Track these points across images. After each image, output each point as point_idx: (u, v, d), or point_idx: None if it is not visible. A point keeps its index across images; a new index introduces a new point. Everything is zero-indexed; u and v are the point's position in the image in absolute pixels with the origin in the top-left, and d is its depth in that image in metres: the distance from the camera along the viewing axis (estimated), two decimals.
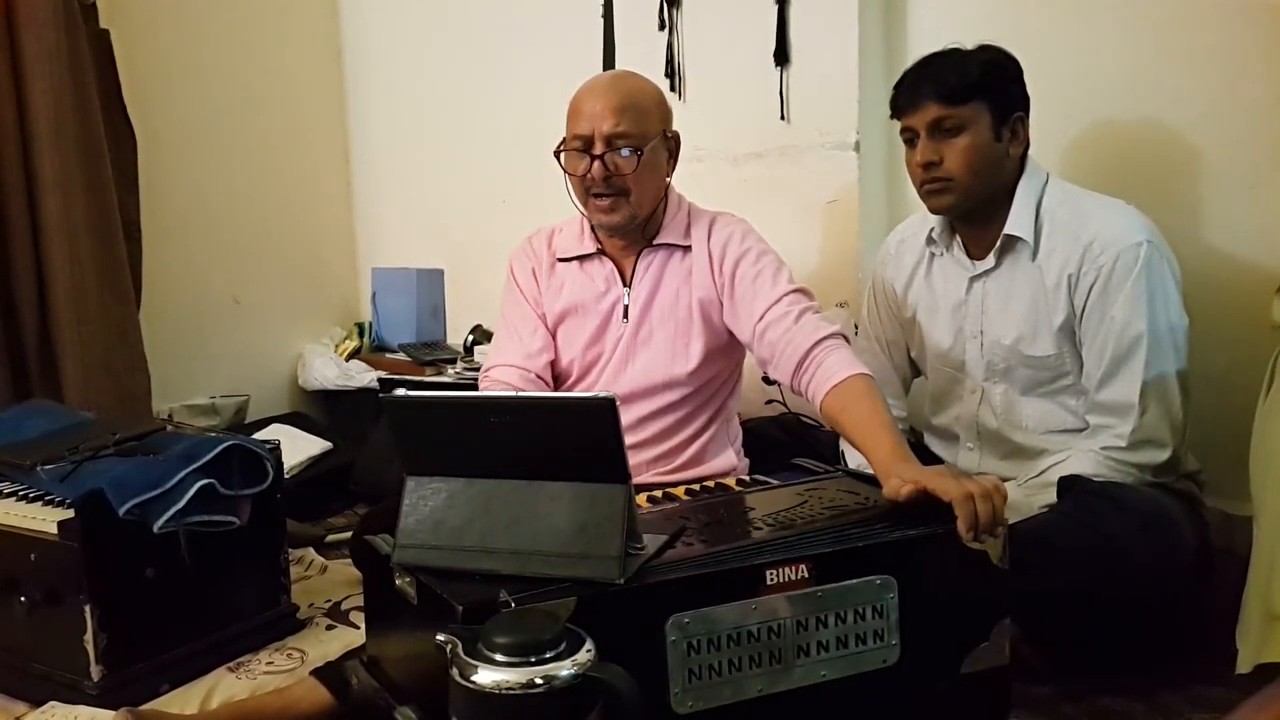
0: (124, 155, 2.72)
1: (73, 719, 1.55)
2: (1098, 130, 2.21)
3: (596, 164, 1.78)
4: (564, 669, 0.98)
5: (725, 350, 1.91)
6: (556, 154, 1.84)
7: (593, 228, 1.93)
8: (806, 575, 1.26)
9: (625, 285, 1.91)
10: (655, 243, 1.89)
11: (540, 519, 1.20)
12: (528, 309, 1.95)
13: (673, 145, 1.89)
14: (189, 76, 3.09)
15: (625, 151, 1.78)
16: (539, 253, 1.98)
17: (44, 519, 1.60)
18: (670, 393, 1.89)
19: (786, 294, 1.78)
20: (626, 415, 1.83)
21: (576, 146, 1.81)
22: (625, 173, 1.78)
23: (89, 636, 1.58)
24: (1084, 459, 1.78)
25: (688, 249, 1.89)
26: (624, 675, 1.01)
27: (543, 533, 1.19)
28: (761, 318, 1.77)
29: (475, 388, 2.80)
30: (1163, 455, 1.76)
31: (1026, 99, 1.85)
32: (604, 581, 1.16)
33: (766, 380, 2.14)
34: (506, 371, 1.90)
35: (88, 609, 1.57)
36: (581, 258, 1.94)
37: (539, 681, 0.97)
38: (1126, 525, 1.60)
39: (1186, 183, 2.11)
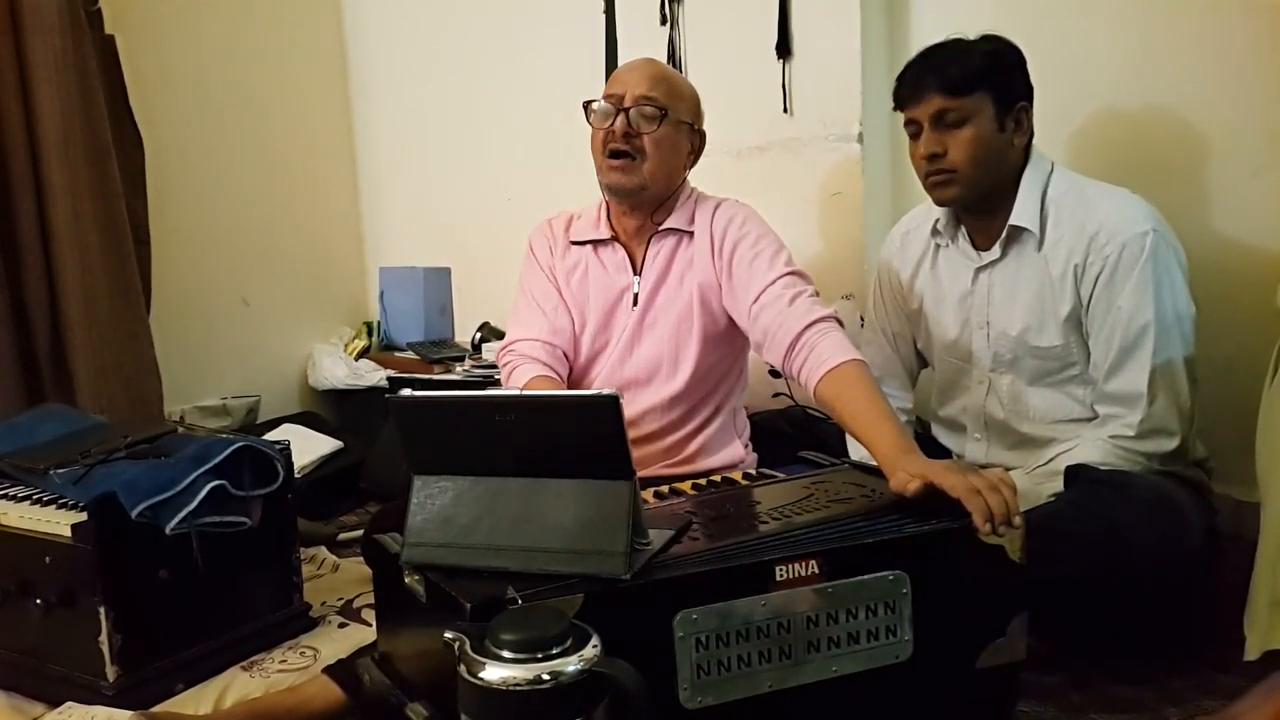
0: (131, 160, 2.73)
1: (89, 719, 1.56)
2: (1101, 118, 2.20)
3: (620, 118, 1.83)
4: (570, 665, 0.99)
5: (723, 337, 1.92)
6: (586, 105, 1.88)
7: (609, 215, 1.97)
8: (817, 571, 1.26)
9: (636, 274, 1.94)
10: (662, 228, 1.92)
11: (546, 516, 1.21)
12: (550, 286, 1.99)
13: (697, 141, 1.95)
14: (195, 80, 3.11)
15: (649, 110, 1.83)
16: (556, 234, 2.03)
17: (58, 522, 1.61)
18: (672, 382, 1.91)
19: (782, 276, 1.79)
20: (631, 407, 1.85)
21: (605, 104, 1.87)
22: (644, 132, 1.83)
23: (104, 638, 1.59)
24: (1092, 447, 1.78)
25: (692, 234, 1.92)
26: (630, 670, 1.02)
27: (549, 529, 1.20)
28: (756, 299, 1.79)
29: (484, 385, 2.84)
30: (1171, 444, 1.76)
31: (1030, 88, 1.85)
32: (610, 577, 1.16)
33: (774, 373, 2.14)
34: (531, 345, 1.93)
35: (102, 610, 1.58)
36: (595, 243, 1.97)
37: (545, 677, 0.98)
38: (1132, 513, 1.60)
39: (1191, 170, 2.10)
